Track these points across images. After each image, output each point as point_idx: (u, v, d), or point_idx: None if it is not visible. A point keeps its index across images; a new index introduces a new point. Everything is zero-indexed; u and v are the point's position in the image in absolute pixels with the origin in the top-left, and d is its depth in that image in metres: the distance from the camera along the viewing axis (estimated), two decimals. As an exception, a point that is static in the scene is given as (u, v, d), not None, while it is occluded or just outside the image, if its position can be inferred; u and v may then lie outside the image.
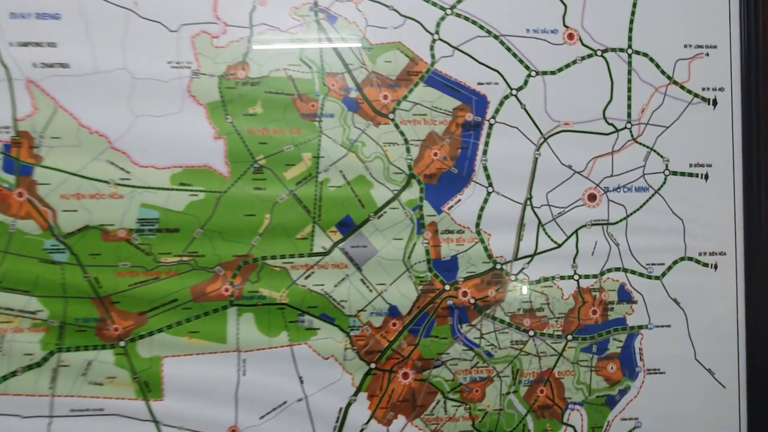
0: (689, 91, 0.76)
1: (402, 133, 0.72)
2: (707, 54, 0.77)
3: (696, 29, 0.76)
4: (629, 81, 0.75)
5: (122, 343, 0.68)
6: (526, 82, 0.73)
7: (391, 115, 0.71)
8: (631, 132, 0.75)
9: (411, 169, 0.72)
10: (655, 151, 0.76)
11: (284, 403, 0.70)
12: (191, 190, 0.69)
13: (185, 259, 0.69)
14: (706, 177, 0.76)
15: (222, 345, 0.70)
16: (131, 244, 0.68)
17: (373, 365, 0.72)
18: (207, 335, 0.70)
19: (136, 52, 0.68)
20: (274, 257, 0.70)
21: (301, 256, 0.71)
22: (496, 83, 0.73)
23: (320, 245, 0.71)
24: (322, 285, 0.71)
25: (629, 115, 0.75)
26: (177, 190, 0.69)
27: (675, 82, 0.76)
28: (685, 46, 0.76)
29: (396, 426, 0.72)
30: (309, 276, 0.71)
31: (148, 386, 0.69)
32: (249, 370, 0.70)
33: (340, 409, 0.71)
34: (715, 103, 0.76)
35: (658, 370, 0.77)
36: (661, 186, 0.76)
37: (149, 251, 0.68)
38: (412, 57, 0.72)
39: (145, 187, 0.68)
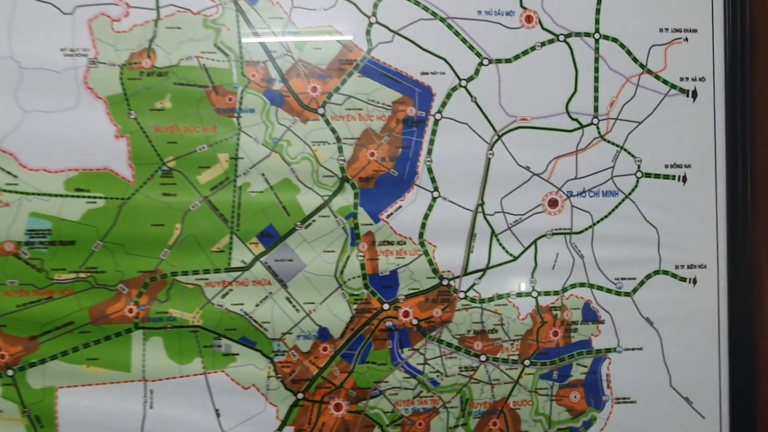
0: (665, 82, 0.76)
1: (333, 131, 0.72)
2: (686, 39, 0.76)
3: (673, 11, 0.76)
4: (596, 70, 0.75)
5: (10, 372, 0.68)
6: (477, 72, 0.73)
7: (320, 110, 0.71)
8: (598, 128, 0.75)
9: (344, 172, 0.72)
10: (625, 150, 0.76)
11: None
12: (89, 197, 0.69)
13: (82, 275, 0.69)
14: (684, 179, 0.76)
15: (126, 374, 0.70)
16: (20, 258, 0.69)
17: (300, 395, 0.72)
18: (108, 363, 0.69)
19: (23, 38, 0.67)
20: (185, 273, 0.70)
21: (217, 271, 0.70)
22: (443, 73, 0.73)
23: (239, 259, 0.71)
24: (242, 304, 0.71)
25: (596, 109, 0.75)
26: (72, 196, 0.69)
27: (649, 72, 0.76)
28: (661, 30, 0.76)
29: (327, 464, 0.67)
30: (226, 294, 0.71)
31: (40, 421, 0.70)
32: (157, 402, 0.70)
33: None
34: (694, 95, 0.76)
35: (628, 398, 0.76)
36: (633, 190, 0.76)
37: (41, 267, 0.69)
38: (345, 43, 0.72)
39: (35, 193, 0.68)
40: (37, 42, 0.66)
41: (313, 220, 0.70)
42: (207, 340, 0.69)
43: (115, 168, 0.67)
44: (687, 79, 0.75)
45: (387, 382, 0.72)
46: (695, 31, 0.75)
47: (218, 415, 0.69)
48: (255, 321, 0.70)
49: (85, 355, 0.68)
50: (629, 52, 0.74)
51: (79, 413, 0.67)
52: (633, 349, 0.75)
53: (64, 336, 0.67)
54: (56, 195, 0.66)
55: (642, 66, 0.74)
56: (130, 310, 0.68)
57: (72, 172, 0.67)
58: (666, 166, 0.75)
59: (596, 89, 0.74)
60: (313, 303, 0.70)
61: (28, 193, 0.66)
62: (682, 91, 0.75)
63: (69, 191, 0.67)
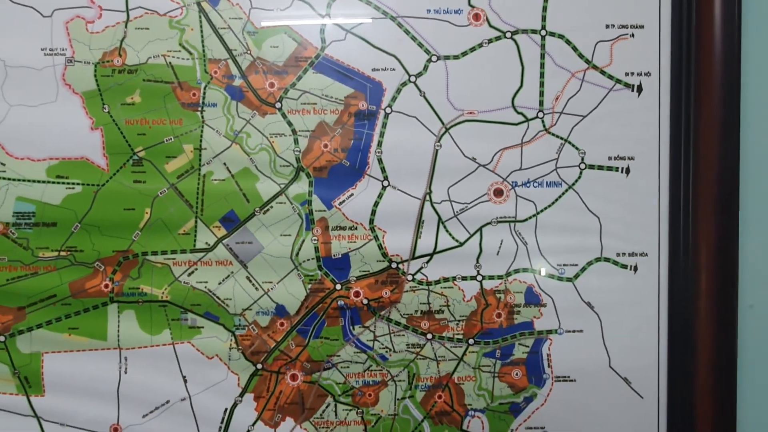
0: (610, 77, 0.79)
1: (290, 123, 0.76)
2: (632, 35, 0.78)
3: (620, 7, 0.78)
4: (542, 66, 0.78)
5: (1, 338, 0.76)
6: (425, 68, 0.77)
7: (277, 104, 0.76)
8: (543, 122, 0.78)
9: (299, 162, 0.77)
10: (569, 142, 0.79)
11: (167, 402, 0.75)
12: (68, 183, 0.75)
13: (63, 254, 0.76)
14: (627, 171, 0.79)
15: (102, 342, 0.77)
16: (8, 238, 0.73)
17: (259, 366, 0.78)
18: (87, 332, 0.76)
19: (7, 39, 0.74)
20: (155, 253, 0.77)
21: (183, 252, 0.77)
22: (393, 69, 0.77)
23: (203, 241, 0.77)
24: (206, 282, 0.77)
25: (541, 103, 0.78)
26: (53, 183, 0.75)
27: (594, 67, 0.78)
28: (607, 26, 0.78)
29: (284, 429, 0.77)
30: (192, 273, 0.77)
31: (28, 381, 0.76)
32: (131, 368, 0.77)
33: (226, 409, 0.78)
34: (639, 89, 0.79)
35: (568, 377, 0.80)
36: (576, 181, 0.79)
37: (26, 246, 0.74)
38: (300, 41, 0.75)
39: (21, 179, 0.73)
40: (19, 42, 0.72)
41: (271, 206, 0.75)
42: (175, 313, 0.75)
43: (91, 157, 0.73)
44: (632, 74, 0.77)
45: (339, 356, 0.77)
46: (642, 27, 0.76)
47: (185, 381, 0.76)
48: (218, 297, 0.75)
49: (67, 324, 0.74)
50: (575, 48, 0.76)
51: (62, 376, 0.75)
52: (573, 332, 0.78)
53: (48, 307, 0.74)
54: (39, 181, 0.73)
55: (588, 61, 0.76)
56: (106, 286, 0.74)
57: (53, 160, 0.73)
58: (610, 158, 0.77)
59: (542, 84, 0.76)
60: (270, 282, 0.76)
61: (14, 179, 0.73)
62: (627, 85, 0.77)
63: (51, 178, 0.73)
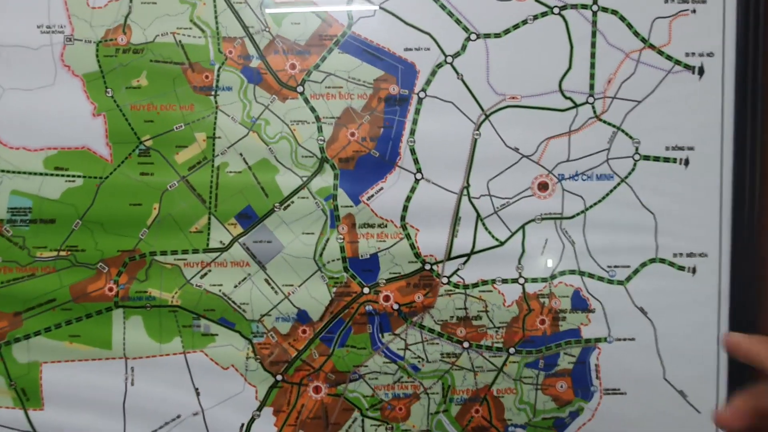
0: (669, 57, 0.71)
1: (313, 110, 0.70)
2: (693, 11, 0.71)
3: None
4: (593, 45, 0.71)
5: None
6: (464, 47, 0.70)
7: (299, 88, 0.70)
8: (593, 108, 0.71)
9: (323, 152, 0.70)
10: (622, 130, 0.72)
11: (178, 416, 0.70)
12: (68, 176, 0.69)
13: (63, 253, 0.70)
14: (687, 162, 0.72)
15: (107, 351, 0.71)
16: (2, 236, 0.68)
17: (279, 377, 0.72)
18: (90, 340, 0.71)
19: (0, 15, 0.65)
20: (164, 253, 0.71)
21: (195, 251, 0.71)
22: (428, 49, 0.70)
23: (217, 240, 0.70)
24: (220, 285, 0.71)
25: (592, 87, 0.71)
26: (52, 175, 0.70)
27: (651, 46, 0.71)
28: (666, 1, 0.71)
29: (306, 445, 0.68)
30: (205, 275, 0.71)
31: (26, 394, 0.72)
32: (138, 379, 0.72)
33: (242, 425, 0.73)
34: (701, 71, 0.71)
35: (618, 390, 0.74)
36: (630, 173, 0.72)
37: (23, 245, 0.69)
38: (324, 18, 0.69)
39: (16, 171, 0.67)
40: (13, 19, 0.65)
41: (292, 202, 0.69)
42: (186, 320, 0.70)
43: (92, 147, 0.67)
44: (693, 54, 0.70)
45: (366, 366, 0.71)
46: (704, 2, 0.69)
47: (198, 393, 0.70)
48: (233, 302, 0.70)
49: (68, 331, 0.69)
50: (630, 26, 0.69)
51: (62, 387, 0.69)
52: (624, 339, 0.72)
53: (47, 313, 0.68)
54: (36, 173, 0.67)
55: (644, 40, 0.69)
56: (110, 289, 0.69)
57: (51, 150, 0.67)
58: (667, 149, 0.71)
59: (592, 66, 0.69)
60: (291, 285, 0.70)
61: (8, 171, 0.67)
62: (687, 67, 0.70)
63: (48, 170, 0.67)
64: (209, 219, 0.69)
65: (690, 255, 0.72)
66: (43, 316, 0.68)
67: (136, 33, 0.67)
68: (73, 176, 0.67)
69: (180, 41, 0.67)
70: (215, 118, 0.68)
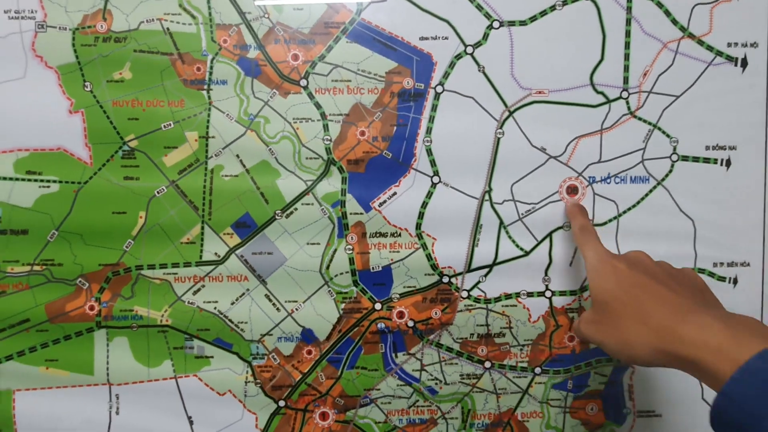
0: (710, 48, 0.66)
1: (318, 106, 0.64)
2: None
3: None
4: (628, 34, 0.65)
5: None
6: (486, 36, 0.64)
7: (302, 82, 0.63)
8: (627, 103, 0.65)
9: (330, 153, 0.64)
10: (659, 128, 0.66)
11: None
12: (41, 181, 0.63)
13: (37, 268, 0.63)
14: (728, 163, 0.67)
15: (88, 377, 0.64)
16: None
17: (282, 403, 0.66)
18: (69, 364, 0.64)
19: None
20: (152, 267, 0.64)
21: (187, 265, 0.64)
22: (446, 38, 0.64)
23: (212, 251, 0.64)
24: (216, 302, 0.65)
25: (626, 80, 0.65)
26: (23, 180, 0.63)
27: (691, 36, 0.65)
28: None
29: (312, 478, 0.62)
30: (198, 291, 0.65)
31: None
32: (123, 407, 0.65)
33: None
34: (744, 63, 0.66)
35: (653, 412, 0.69)
36: (667, 175, 0.66)
37: None
38: (330, 3, 0.62)
39: None
40: (-23, 3, 0.59)
41: (295, 209, 0.63)
42: (177, 341, 0.63)
43: (69, 148, 0.61)
44: (736, 44, 0.64)
45: (379, 389, 0.65)
46: (749, -14, 0.65)
47: (191, 422, 0.64)
48: (230, 321, 0.63)
49: (44, 355, 0.62)
50: (668, 13, 0.63)
51: (38, 418, 0.63)
52: None
53: (20, 334, 0.62)
54: (5, 178, 0.60)
55: (682, 29, 0.63)
56: (91, 308, 0.62)
57: (22, 152, 0.60)
58: (707, 148, 0.65)
59: (627, 57, 0.64)
60: (295, 301, 0.63)
61: (-26, 176, 0.61)
62: (729, 59, 0.64)
63: (19, 174, 0.60)
64: (202, 228, 0.62)
65: (731, 264, 0.67)
66: (15, 338, 0.62)
67: (118, 19, 0.60)
68: (48, 181, 0.61)
69: (168, 29, 0.60)
70: (208, 115, 0.61)
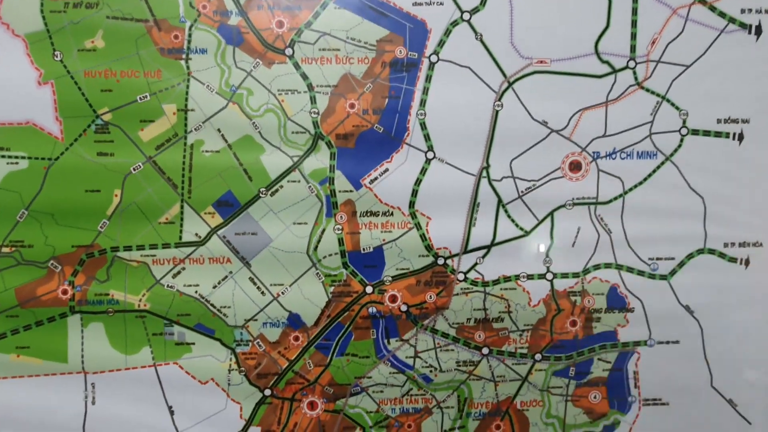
0: (722, 14, 0.63)
1: (304, 76, 0.61)
2: None
3: None
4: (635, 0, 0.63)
5: None
6: (483, 2, 0.61)
7: (288, 51, 0.61)
8: (634, 73, 0.63)
9: (317, 127, 0.62)
10: (668, 100, 0.64)
11: None
12: (10, 157, 0.60)
13: (6, 250, 0.61)
14: (741, 137, 0.65)
15: (62, 365, 0.63)
16: None
17: (267, 392, 0.65)
18: (41, 352, 0.62)
19: None
20: (129, 248, 0.62)
21: (166, 246, 0.62)
22: (440, 3, 0.61)
23: (192, 232, 0.62)
24: (197, 286, 0.63)
25: (633, 49, 0.63)
26: None
27: (702, 1, 0.62)
28: None
29: (300, 470, 0.61)
30: (178, 273, 0.63)
31: None
32: (100, 397, 0.63)
33: None
34: (758, 31, 0.63)
35: (660, 400, 0.68)
36: (675, 150, 0.64)
37: None
38: None
39: None
40: (-63, -35, 0.56)
41: (281, 186, 0.61)
42: (157, 326, 0.62)
43: (38, 122, 0.58)
44: (750, 11, 0.62)
45: (370, 377, 0.64)
46: (764, -52, 0.62)
47: (172, 413, 0.63)
48: (212, 305, 0.62)
49: (14, 342, 0.61)
50: (678, -24, 0.62)
51: (8, 410, 0.61)
52: (668, 343, 0.66)
53: (-11, 321, 0.61)
54: (-29, 154, 0.59)
55: (693, -6, 0.62)
56: (64, 292, 0.60)
57: (-12, 126, 0.59)
58: (718, 121, 0.63)
59: (634, 24, 0.61)
60: (281, 285, 0.62)
61: (-63, 152, 0.58)
62: (742, 26, 0.62)
63: (-14, 150, 0.59)
64: (182, 207, 0.60)
65: (743, 245, 0.66)
66: (-16, 324, 0.61)
67: (90, -17, 0.58)
68: (16, 157, 0.58)
69: (143, -7, 0.58)
70: (187, 86, 0.59)
